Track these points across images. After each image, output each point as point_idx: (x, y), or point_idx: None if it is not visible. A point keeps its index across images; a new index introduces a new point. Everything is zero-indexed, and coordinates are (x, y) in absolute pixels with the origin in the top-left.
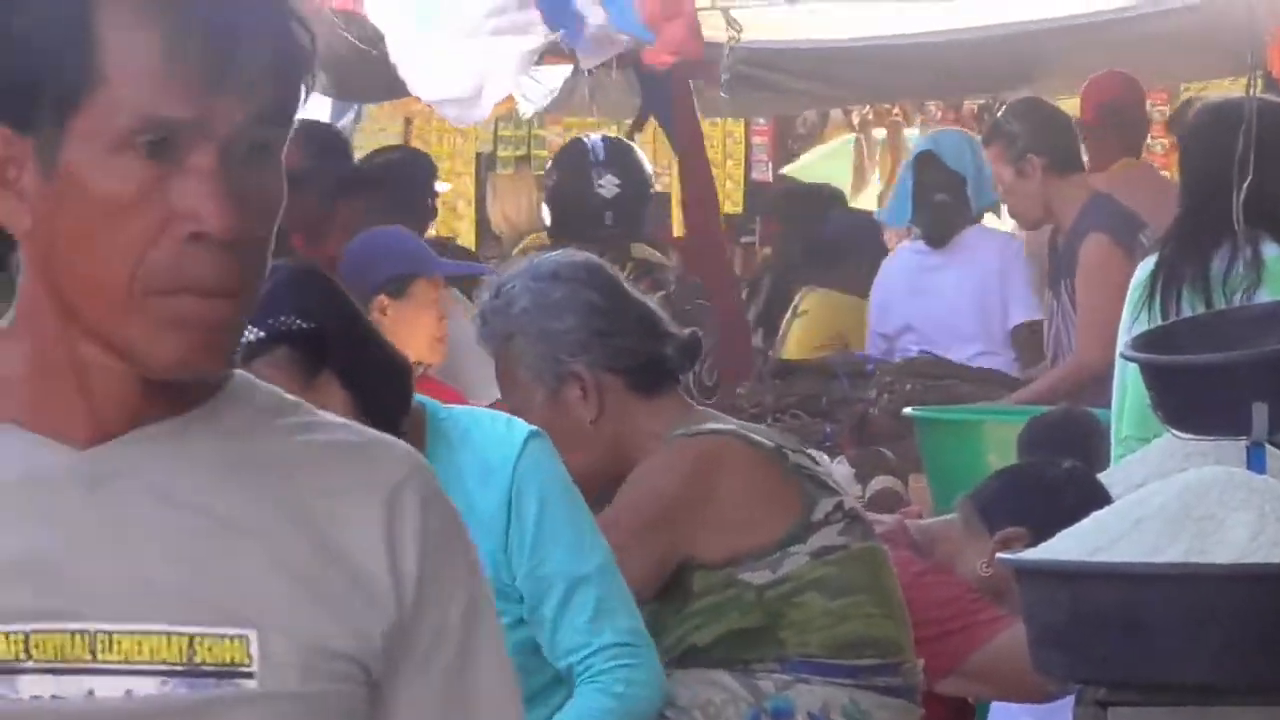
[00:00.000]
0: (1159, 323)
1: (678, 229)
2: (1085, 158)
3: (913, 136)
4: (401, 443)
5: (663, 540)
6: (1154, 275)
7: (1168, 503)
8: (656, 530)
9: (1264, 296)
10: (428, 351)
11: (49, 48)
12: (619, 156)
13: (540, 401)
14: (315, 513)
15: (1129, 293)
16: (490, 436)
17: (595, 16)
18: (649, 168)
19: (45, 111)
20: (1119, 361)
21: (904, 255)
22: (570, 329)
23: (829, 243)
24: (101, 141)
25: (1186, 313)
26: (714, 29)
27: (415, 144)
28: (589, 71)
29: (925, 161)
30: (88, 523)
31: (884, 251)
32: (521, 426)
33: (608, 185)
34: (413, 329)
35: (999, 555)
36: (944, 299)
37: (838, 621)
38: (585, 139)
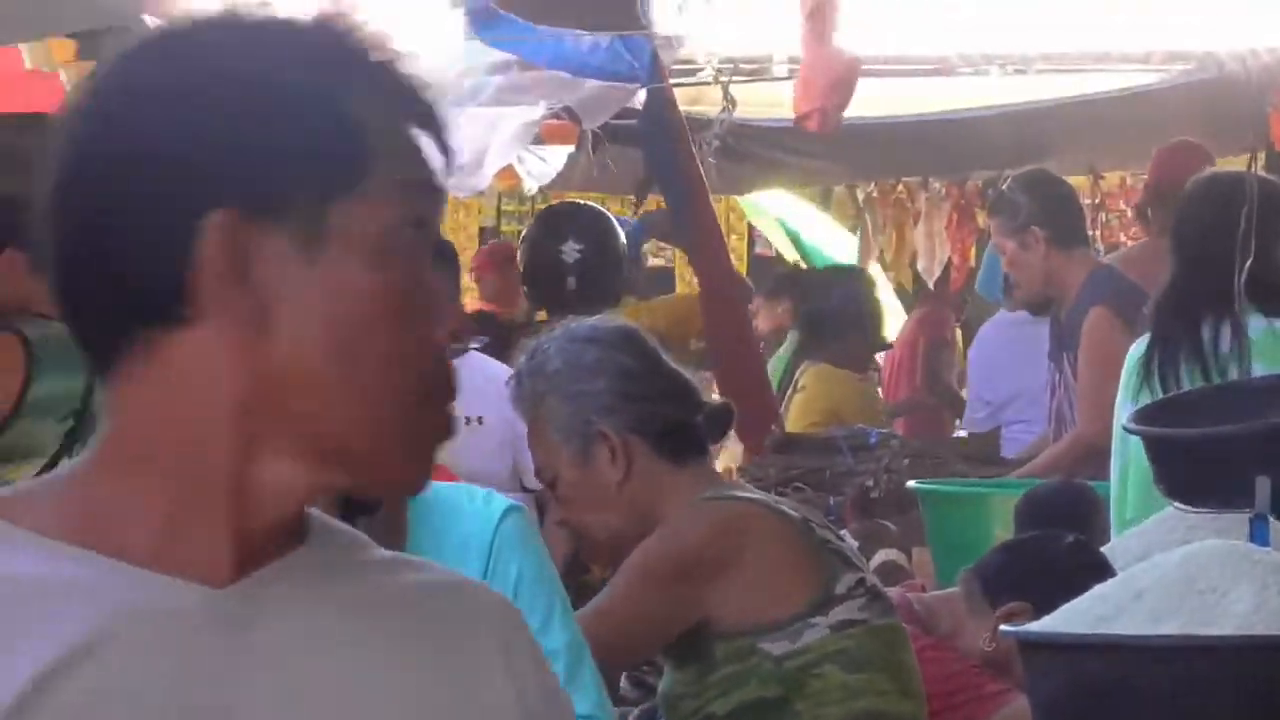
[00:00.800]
0: (1159, 396)
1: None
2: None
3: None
4: (479, 581)
5: (676, 596)
6: (1150, 349)
7: (1169, 575)
8: (672, 584)
9: (1257, 370)
10: None
11: (313, 127)
12: (586, 223)
13: (568, 462)
14: (444, 654)
15: (1124, 368)
16: (468, 512)
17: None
18: (620, 235)
19: (307, 196)
20: (1118, 441)
21: (1004, 323)
22: (601, 391)
23: (827, 317)
24: (373, 230)
25: (1185, 386)
26: (711, 104)
27: None
28: (593, 149)
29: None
30: (242, 668)
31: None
32: (500, 501)
33: (568, 251)
34: None
35: (1002, 628)
36: None
37: (854, 696)
38: (560, 205)
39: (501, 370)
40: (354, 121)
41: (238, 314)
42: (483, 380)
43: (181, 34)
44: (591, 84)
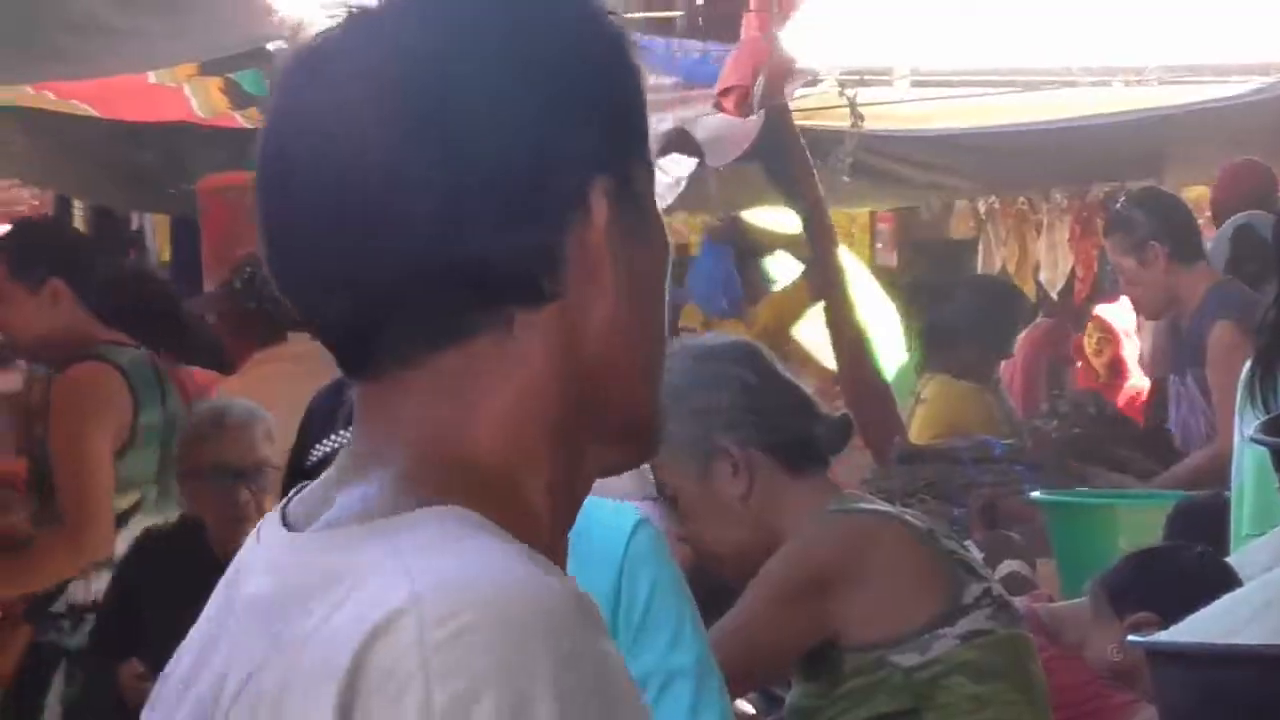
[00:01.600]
0: (1261, 416)
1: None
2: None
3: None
4: None
5: (806, 612)
6: (1253, 367)
7: None
8: (802, 600)
9: None
10: None
11: (632, 95)
12: None
13: (691, 479)
14: None
15: (1239, 385)
16: (597, 521)
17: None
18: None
19: (626, 143)
20: (1236, 455)
21: None
22: (721, 406)
23: (947, 328)
24: (650, 195)
25: None
26: (837, 116)
27: None
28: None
29: (1243, 235)
30: None
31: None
32: (631, 512)
33: None
34: None
35: (1129, 639)
36: None
37: (981, 707)
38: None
39: None
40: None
41: (605, 286)
42: None
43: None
44: (713, 117)
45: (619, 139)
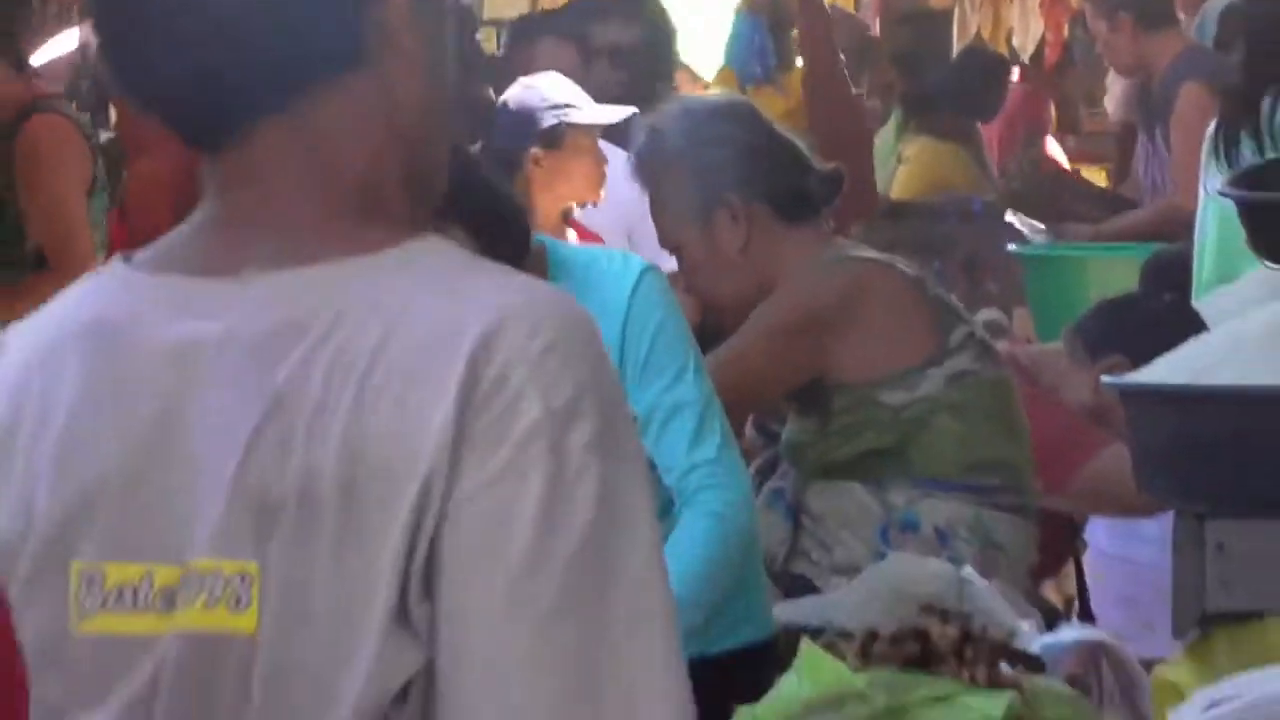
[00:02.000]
0: (1226, 171)
1: None
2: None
3: None
4: None
5: (802, 346)
6: (1217, 128)
7: (1263, 328)
8: (799, 335)
9: None
10: (586, 191)
11: None
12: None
13: (694, 231)
14: None
15: (1204, 143)
16: (607, 273)
17: None
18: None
19: None
20: (1201, 209)
21: None
22: (721, 162)
23: (930, 94)
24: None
25: (1246, 161)
26: None
27: None
28: None
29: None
30: None
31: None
32: (637, 262)
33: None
34: (570, 175)
35: (1103, 379)
36: None
37: (964, 444)
38: None
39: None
40: None
41: (406, 55)
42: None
43: None
44: None
45: None
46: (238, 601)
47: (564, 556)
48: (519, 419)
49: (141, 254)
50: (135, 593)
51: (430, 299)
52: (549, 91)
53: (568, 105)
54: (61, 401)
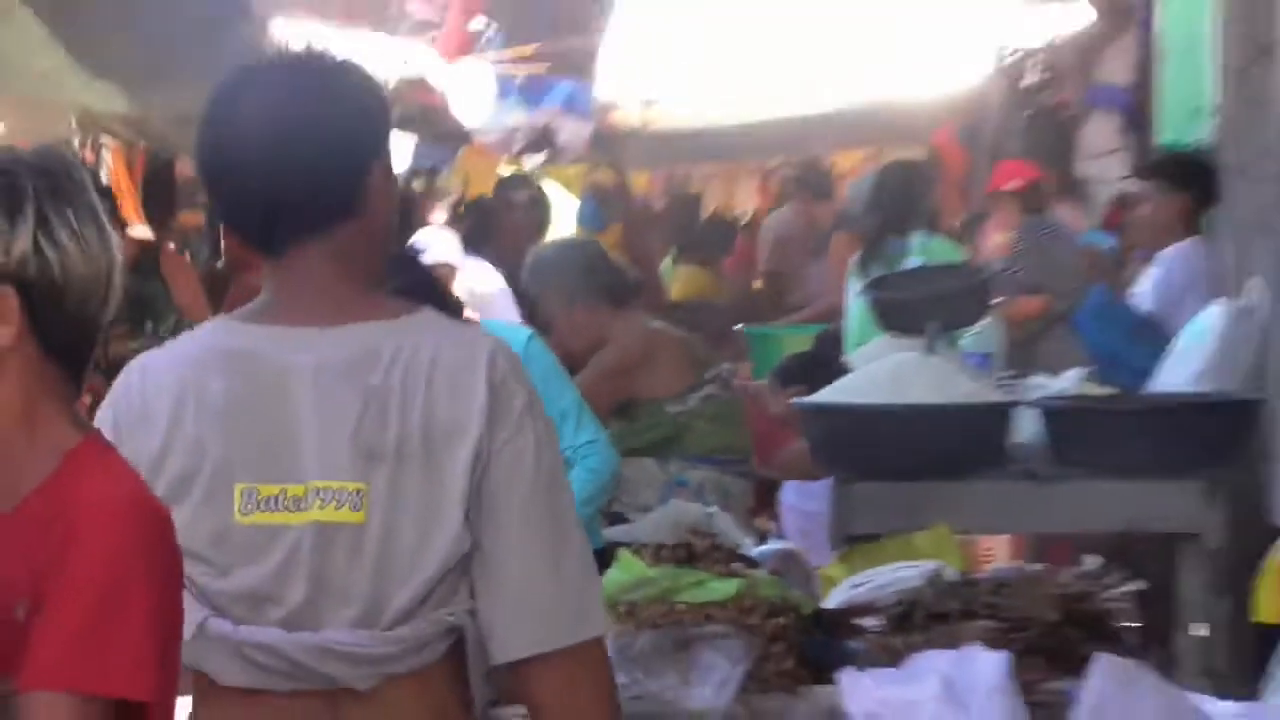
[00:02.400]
0: (867, 279)
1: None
2: None
3: None
4: None
5: (621, 380)
6: (859, 259)
7: (884, 370)
8: (619, 374)
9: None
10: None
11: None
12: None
13: (559, 313)
14: None
15: (850, 266)
16: (507, 334)
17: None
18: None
19: (385, 143)
20: (848, 305)
21: None
22: (574, 274)
23: (689, 239)
24: (391, 158)
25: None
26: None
27: None
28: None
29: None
30: None
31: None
32: (523, 331)
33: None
34: None
35: (792, 401)
36: None
37: (713, 436)
38: None
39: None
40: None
41: (384, 208)
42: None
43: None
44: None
45: (384, 141)
46: (353, 506)
47: (545, 484)
48: (515, 403)
49: (237, 313)
50: (276, 501)
51: (450, 340)
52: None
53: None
54: (216, 393)
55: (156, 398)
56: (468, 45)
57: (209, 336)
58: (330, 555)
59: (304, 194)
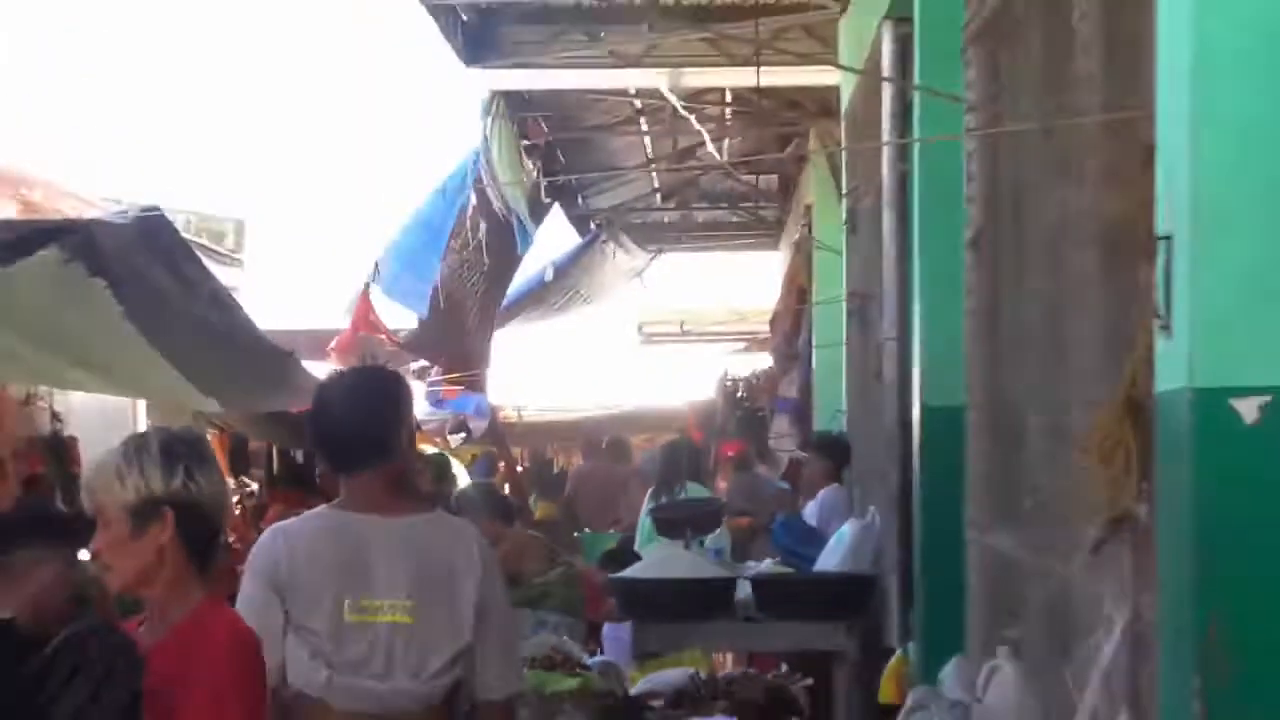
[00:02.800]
0: (661, 504)
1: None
2: None
3: None
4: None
5: (507, 566)
6: (657, 488)
7: (659, 558)
8: (506, 562)
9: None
10: None
11: None
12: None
13: (494, 530)
14: None
15: (645, 503)
16: None
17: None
18: None
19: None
20: (641, 520)
21: None
22: (479, 504)
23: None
24: None
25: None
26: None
27: None
28: None
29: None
30: None
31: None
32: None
33: None
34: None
35: (608, 576)
36: None
37: (563, 596)
38: None
39: None
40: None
41: (408, 452)
42: None
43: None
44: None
45: (408, 414)
46: (406, 613)
47: (505, 605)
48: (490, 561)
49: (333, 504)
50: (365, 609)
51: (454, 526)
52: None
53: None
54: (329, 547)
55: (290, 549)
56: (420, 376)
57: (317, 518)
58: (395, 640)
59: (362, 440)
